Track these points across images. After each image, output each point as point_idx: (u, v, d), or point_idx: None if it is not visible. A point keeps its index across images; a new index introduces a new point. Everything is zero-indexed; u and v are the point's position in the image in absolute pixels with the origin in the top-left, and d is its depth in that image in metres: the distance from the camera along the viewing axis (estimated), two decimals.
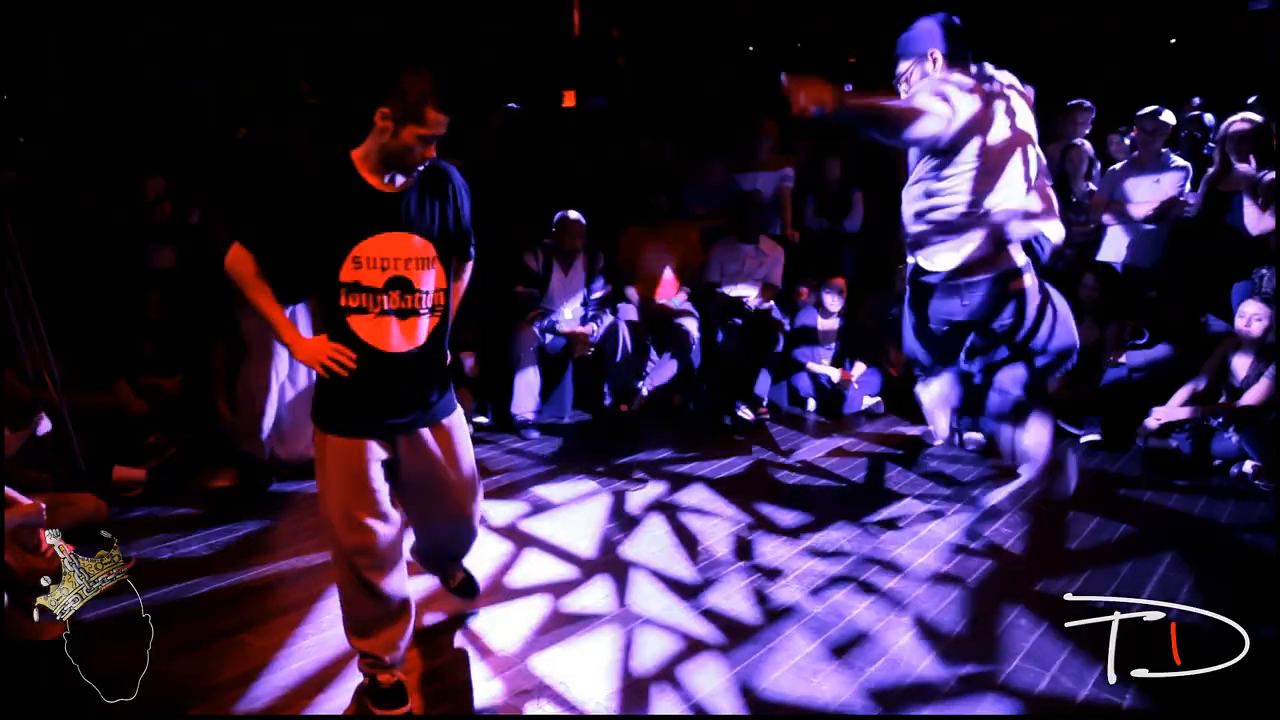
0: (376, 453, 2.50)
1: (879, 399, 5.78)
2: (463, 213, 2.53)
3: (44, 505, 3.13)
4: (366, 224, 2.36)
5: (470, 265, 2.70)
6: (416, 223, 2.41)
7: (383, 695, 2.58)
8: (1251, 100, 5.59)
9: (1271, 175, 4.69)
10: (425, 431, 2.57)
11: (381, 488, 2.51)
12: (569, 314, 5.51)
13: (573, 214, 5.48)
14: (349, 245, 2.35)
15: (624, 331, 5.51)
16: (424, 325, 2.47)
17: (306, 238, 2.35)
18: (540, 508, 4.13)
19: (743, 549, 3.66)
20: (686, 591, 3.30)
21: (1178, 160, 5.37)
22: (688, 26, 8.23)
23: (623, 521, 3.96)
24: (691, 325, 5.73)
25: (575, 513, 4.08)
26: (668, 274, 5.90)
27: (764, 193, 6.09)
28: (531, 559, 3.58)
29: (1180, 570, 3.45)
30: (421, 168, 2.39)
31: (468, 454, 2.68)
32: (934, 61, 3.11)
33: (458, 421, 2.66)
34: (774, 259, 5.94)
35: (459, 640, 2.97)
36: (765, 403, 5.68)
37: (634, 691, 2.67)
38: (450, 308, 2.57)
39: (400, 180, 2.39)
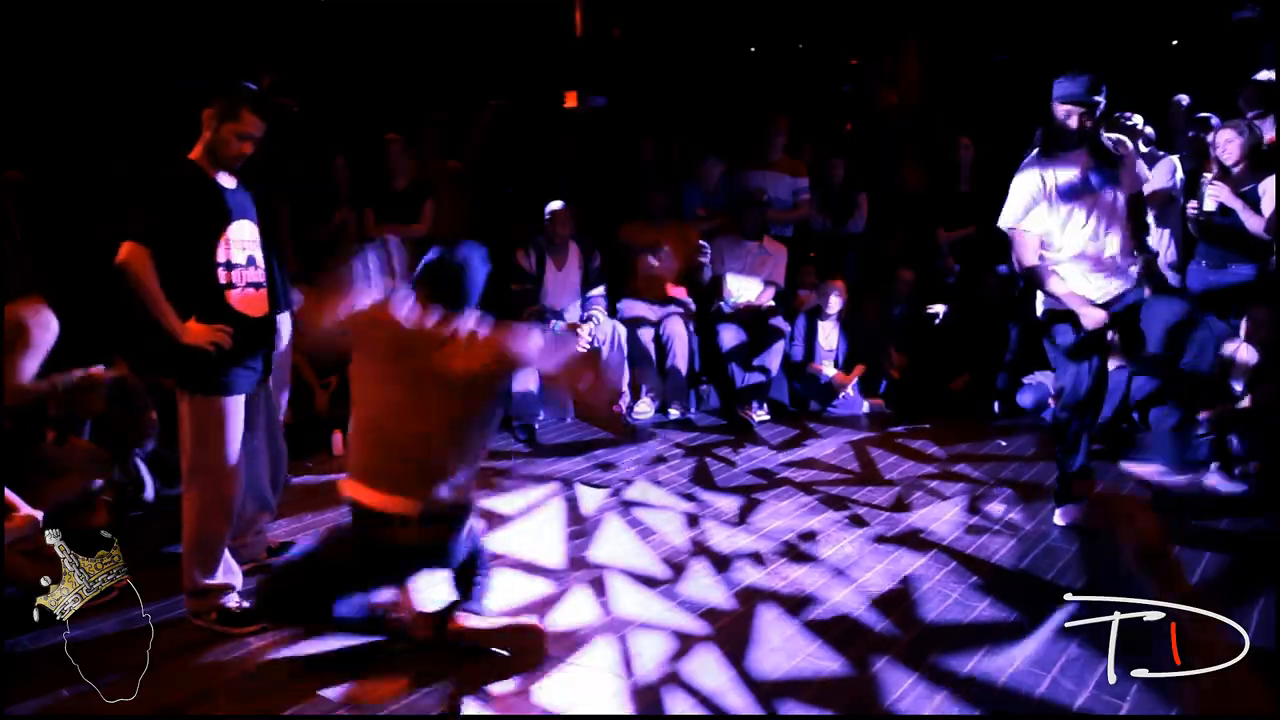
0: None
1: (881, 400, 5.79)
2: None
3: (40, 516, 3.12)
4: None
5: None
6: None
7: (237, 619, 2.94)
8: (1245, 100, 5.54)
9: (1257, 186, 4.69)
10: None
11: None
12: (571, 315, 5.49)
13: (557, 204, 5.48)
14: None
15: (619, 333, 5.52)
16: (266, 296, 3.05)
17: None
18: (506, 518, 4.01)
19: (733, 545, 3.66)
20: (674, 590, 3.30)
21: (1161, 154, 5.46)
22: (688, 26, 8.22)
23: (592, 525, 3.95)
24: (681, 328, 5.68)
25: (544, 520, 4.00)
26: (666, 271, 5.89)
27: (773, 195, 6.05)
28: (505, 577, 3.37)
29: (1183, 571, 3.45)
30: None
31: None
32: None
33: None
34: (777, 258, 5.93)
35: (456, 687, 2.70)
36: (766, 403, 5.68)
37: (645, 698, 2.64)
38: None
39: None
